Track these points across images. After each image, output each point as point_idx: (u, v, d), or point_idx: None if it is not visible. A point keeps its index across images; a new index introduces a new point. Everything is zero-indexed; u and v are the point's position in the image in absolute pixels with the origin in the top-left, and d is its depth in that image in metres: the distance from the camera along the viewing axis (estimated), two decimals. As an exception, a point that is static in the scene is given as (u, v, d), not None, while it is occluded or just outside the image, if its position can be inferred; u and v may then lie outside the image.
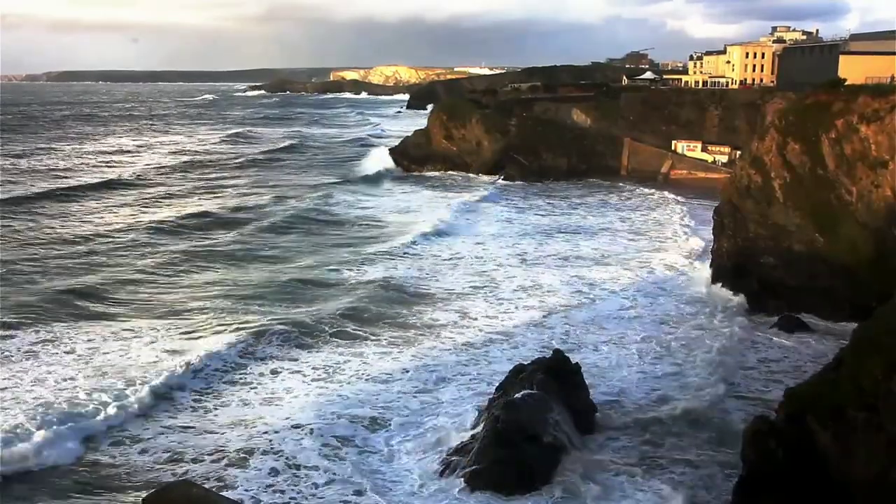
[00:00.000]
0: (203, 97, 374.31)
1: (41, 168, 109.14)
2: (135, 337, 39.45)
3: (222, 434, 29.54)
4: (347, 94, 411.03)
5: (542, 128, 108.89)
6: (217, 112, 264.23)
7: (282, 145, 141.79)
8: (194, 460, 27.53)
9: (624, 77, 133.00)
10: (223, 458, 27.72)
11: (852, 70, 67.79)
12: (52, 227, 67.42)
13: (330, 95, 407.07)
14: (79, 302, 44.95)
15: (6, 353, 36.81)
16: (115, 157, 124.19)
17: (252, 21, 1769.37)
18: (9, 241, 61.36)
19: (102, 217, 73.07)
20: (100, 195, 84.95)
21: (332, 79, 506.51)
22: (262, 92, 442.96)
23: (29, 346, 38.02)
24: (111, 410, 30.58)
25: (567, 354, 32.73)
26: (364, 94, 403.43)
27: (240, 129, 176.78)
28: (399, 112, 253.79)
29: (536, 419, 27.39)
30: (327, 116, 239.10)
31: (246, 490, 25.70)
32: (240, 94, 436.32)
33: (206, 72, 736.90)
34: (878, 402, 17.80)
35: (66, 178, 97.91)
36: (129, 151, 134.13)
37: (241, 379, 34.99)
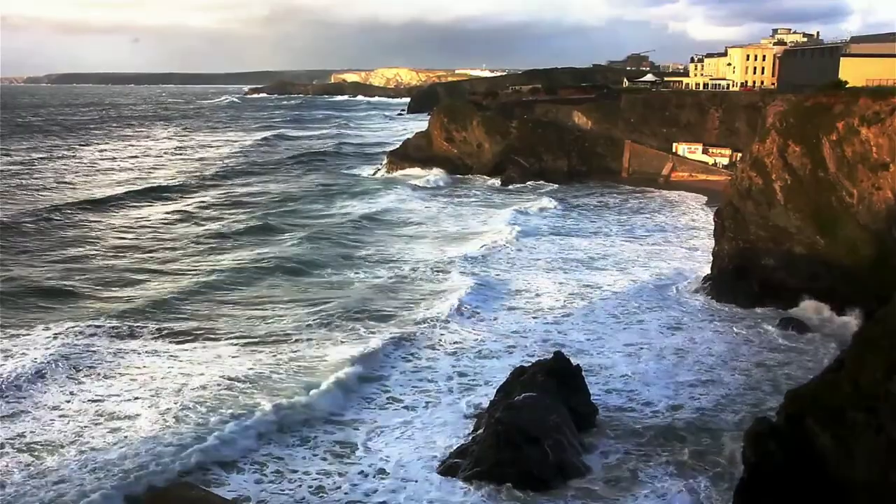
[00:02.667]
0: (222, 99, 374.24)
1: (104, 169, 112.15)
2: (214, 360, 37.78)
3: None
4: (348, 97, 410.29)
5: (543, 130, 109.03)
6: (243, 114, 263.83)
7: (322, 148, 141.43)
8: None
9: (625, 79, 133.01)
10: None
11: (853, 72, 67.81)
12: (125, 232, 67.53)
13: (351, 98, 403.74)
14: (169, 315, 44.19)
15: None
16: (164, 160, 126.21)
17: (256, 23, 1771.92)
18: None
19: (168, 223, 72.45)
20: (164, 199, 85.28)
21: (332, 81, 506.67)
22: (272, 95, 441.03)
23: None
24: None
25: (568, 357, 32.86)
26: (360, 97, 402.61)
27: (276, 132, 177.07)
28: (401, 113, 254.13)
29: (537, 421, 27.41)
30: (354, 118, 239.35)
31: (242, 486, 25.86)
32: (255, 96, 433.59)
33: (208, 74, 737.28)
34: (878, 403, 17.80)
35: (122, 181, 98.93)
36: (175, 153, 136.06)
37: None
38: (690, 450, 28.69)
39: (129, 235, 66.49)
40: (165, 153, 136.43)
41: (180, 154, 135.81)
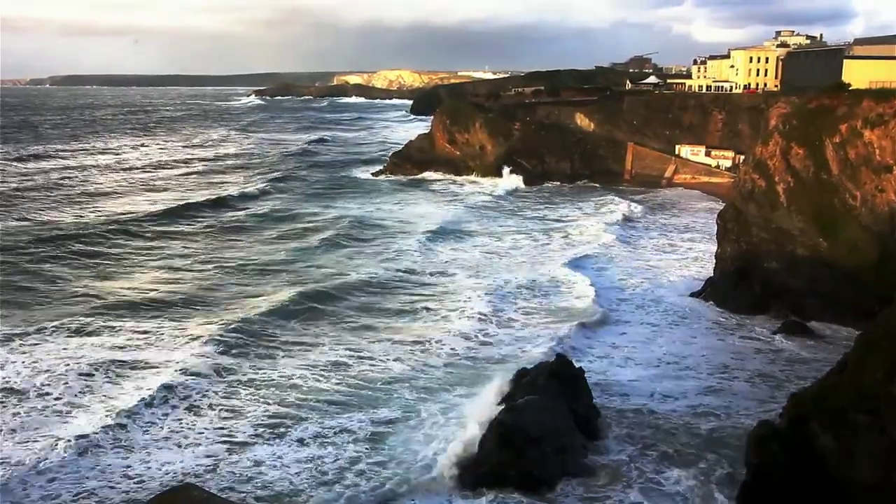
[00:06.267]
0: (247, 101, 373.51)
1: (182, 172, 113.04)
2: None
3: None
4: (355, 98, 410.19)
5: (546, 132, 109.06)
6: (277, 116, 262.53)
7: (374, 153, 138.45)
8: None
9: (627, 81, 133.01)
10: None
11: (856, 74, 67.73)
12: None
13: (368, 100, 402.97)
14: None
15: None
16: (241, 162, 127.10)
17: (262, 25, 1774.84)
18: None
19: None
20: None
21: (335, 83, 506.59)
22: (275, 97, 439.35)
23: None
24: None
25: (571, 359, 32.86)
26: (361, 99, 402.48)
27: (320, 135, 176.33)
28: (405, 115, 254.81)
29: (539, 423, 27.39)
30: (387, 121, 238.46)
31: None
32: (278, 98, 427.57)
33: (212, 76, 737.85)
34: (879, 404, 17.81)
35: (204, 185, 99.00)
36: (244, 154, 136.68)
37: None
38: (693, 452, 28.64)
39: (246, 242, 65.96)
40: (235, 154, 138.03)
41: (253, 155, 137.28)
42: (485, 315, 44.42)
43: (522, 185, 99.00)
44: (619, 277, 54.14)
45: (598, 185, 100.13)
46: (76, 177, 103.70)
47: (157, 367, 36.00)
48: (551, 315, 45.19)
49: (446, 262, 58.39)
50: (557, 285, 51.44)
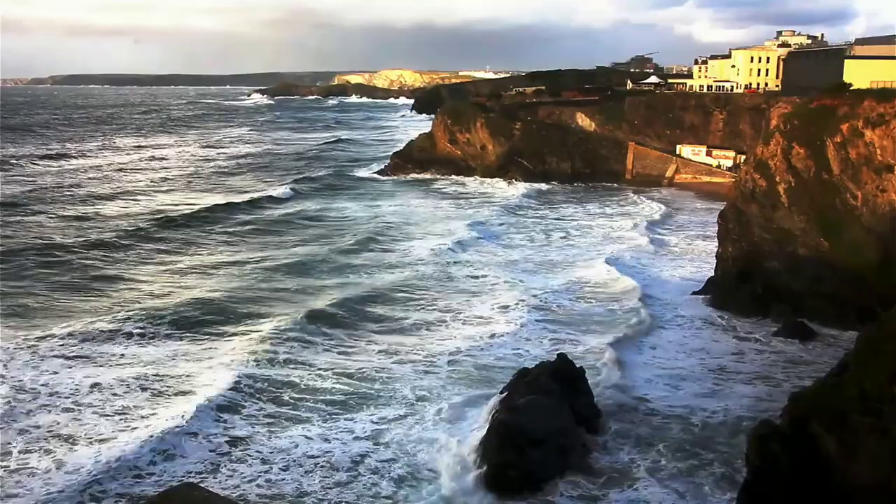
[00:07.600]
0: (254, 101, 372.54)
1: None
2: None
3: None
4: (361, 98, 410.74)
5: (547, 132, 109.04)
6: (284, 115, 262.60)
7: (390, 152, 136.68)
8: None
9: (629, 81, 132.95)
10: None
11: (857, 74, 67.65)
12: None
13: (372, 100, 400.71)
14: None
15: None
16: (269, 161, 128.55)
17: (264, 25, 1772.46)
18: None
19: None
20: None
21: (336, 82, 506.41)
22: (276, 97, 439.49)
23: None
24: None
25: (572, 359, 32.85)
26: (366, 99, 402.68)
27: (336, 135, 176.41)
28: (406, 115, 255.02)
29: (540, 423, 27.40)
30: (395, 119, 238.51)
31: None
32: (283, 97, 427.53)
33: (213, 76, 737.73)
34: (882, 406, 17.77)
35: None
36: (250, 157, 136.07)
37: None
38: (694, 452, 28.66)
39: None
40: (254, 154, 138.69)
41: (272, 154, 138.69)
42: (491, 317, 44.51)
43: (525, 186, 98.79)
44: (619, 277, 54.06)
45: (601, 184, 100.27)
46: (97, 176, 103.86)
47: (178, 371, 36.24)
48: (548, 315, 45.21)
49: (452, 262, 58.27)
50: (569, 285, 51.62)
